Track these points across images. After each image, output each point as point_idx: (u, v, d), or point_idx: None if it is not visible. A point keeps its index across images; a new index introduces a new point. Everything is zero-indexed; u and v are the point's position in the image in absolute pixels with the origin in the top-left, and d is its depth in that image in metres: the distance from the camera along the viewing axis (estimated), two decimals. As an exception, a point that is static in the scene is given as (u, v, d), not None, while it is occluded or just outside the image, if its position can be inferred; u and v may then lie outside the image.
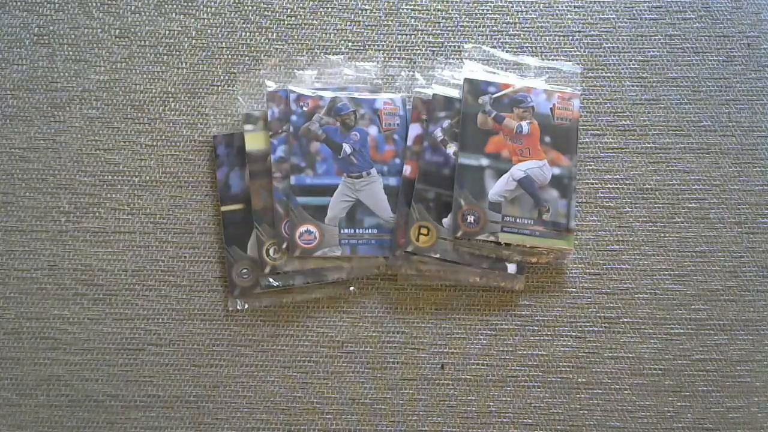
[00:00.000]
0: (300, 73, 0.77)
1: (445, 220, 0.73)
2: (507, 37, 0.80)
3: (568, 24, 0.80)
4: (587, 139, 0.78)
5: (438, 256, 0.72)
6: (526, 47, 0.79)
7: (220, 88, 0.79)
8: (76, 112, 0.78)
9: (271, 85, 0.76)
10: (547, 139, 0.74)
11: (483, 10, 0.80)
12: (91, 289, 0.75)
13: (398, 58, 0.79)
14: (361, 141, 0.75)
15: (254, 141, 0.75)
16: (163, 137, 0.78)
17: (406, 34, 0.80)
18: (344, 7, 0.80)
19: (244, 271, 0.74)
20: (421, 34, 0.80)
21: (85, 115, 0.78)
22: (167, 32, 0.80)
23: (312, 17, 0.80)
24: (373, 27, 0.80)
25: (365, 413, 0.74)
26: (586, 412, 0.74)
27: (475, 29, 0.80)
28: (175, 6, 0.80)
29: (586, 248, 0.76)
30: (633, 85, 0.79)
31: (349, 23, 0.80)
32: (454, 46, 0.79)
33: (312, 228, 0.73)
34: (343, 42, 0.80)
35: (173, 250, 0.76)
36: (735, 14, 0.80)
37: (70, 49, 0.80)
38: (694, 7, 0.80)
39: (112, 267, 0.76)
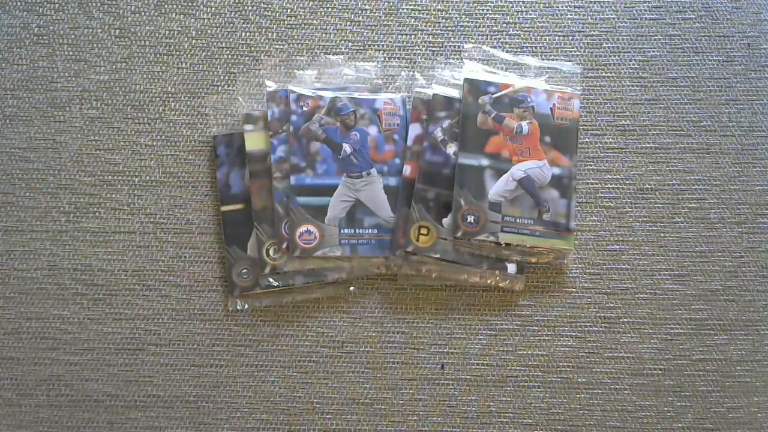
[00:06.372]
0: (300, 73, 0.77)
1: (445, 220, 0.73)
2: (507, 37, 0.80)
3: (568, 24, 0.80)
4: (587, 139, 0.78)
5: (438, 256, 0.72)
6: (526, 47, 0.79)
7: (220, 88, 0.79)
8: (76, 112, 0.78)
9: (271, 85, 0.76)
10: (547, 139, 0.74)
11: (483, 10, 0.80)
12: (91, 289, 0.75)
13: (398, 58, 0.79)
14: (361, 141, 0.75)
15: (254, 141, 0.75)
16: (163, 137, 0.78)
17: (406, 34, 0.80)
18: (344, 7, 0.80)
19: (244, 271, 0.74)
20: (421, 34, 0.80)
21: (85, 115, 0.78)
22: (167, 32, 0.80)
23: (312, 17, 0.80)
24: (373, 27, 0.80)
25: (365, 413, 0.74)
26: (586, 412, 0.74)
27: (475, 29, 0.80)
28: (175, 6, 0.80)
29: (586, 248, 0.76)
30: (633, 85, 0.79)
31: (349, 23, 0.80)
32: (454, 46, 0.79)
33: (312, 228, 0.73)
34: (343, 42, 0.80)
35: (173, 250, 0.76)
36: (735, 14, 0.80)
37: (70, 49, 0.80)
38: (694, 7, 0.80)
39: (112, 267, 0.76)
